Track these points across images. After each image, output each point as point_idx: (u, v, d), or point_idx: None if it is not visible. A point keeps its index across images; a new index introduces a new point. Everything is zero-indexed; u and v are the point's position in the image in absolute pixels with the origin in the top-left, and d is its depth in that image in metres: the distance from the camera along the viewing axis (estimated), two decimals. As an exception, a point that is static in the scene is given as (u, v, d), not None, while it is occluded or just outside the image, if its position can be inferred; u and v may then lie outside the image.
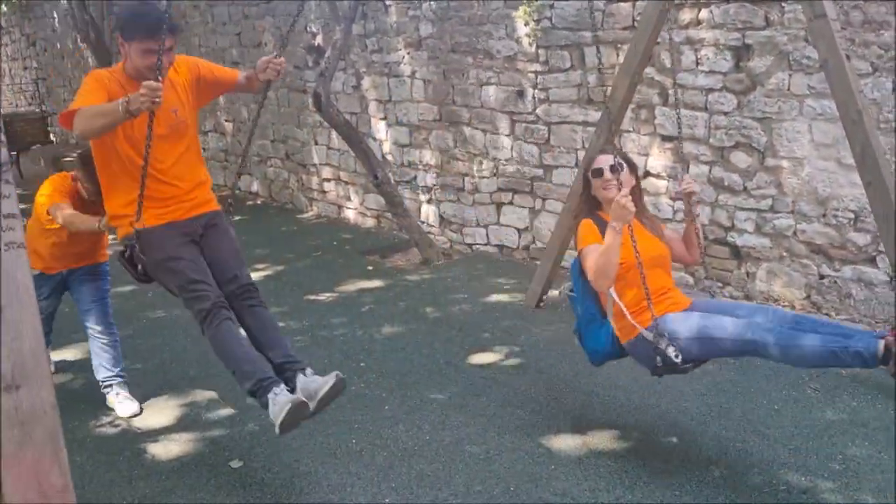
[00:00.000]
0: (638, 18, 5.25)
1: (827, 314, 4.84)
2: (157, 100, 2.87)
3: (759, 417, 3.82)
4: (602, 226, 3.21)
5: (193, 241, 3.36)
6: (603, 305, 3.35)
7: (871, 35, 4.42)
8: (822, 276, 4.87)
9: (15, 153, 12.85)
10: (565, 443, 3.65)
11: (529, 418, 3.89)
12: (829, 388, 4.09)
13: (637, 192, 3.40)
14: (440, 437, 3.73)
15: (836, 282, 4.82)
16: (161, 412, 4.09)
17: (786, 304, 5.02)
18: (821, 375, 4.21)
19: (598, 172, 3.35)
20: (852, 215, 4.68)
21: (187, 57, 3.56)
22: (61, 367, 4.68)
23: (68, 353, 4.91)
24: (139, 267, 3.31)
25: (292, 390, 3.09)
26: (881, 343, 2.76)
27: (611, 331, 3.29)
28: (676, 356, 3.03)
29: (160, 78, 2.98)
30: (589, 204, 3.45)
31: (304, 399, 3.00)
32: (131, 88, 3.08)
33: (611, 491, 3.25)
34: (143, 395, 4.27)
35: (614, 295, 3.21)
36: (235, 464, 3.56)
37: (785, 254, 5.01)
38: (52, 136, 14.65)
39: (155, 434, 3.86)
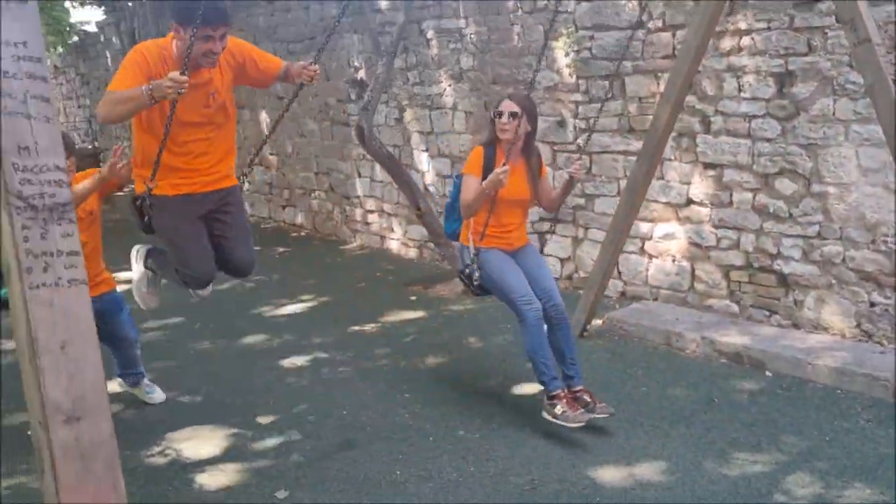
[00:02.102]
0: (678, 47, 5.26)
1: (879, 342, 4.73)
2: (182, 91, 3.02)
3: (809, 447, 3.74)
4: (488, 158, 3.97)
5: (201, 218, 3.69)
6: None
7: (917, 59, 4.37)
8: (872, 304, 4.77)
9: (69, 189, 13.25)
10: (611, 475, 3.61)
11: (575, 449, 3.85)
12: (883, 419, 3.99)
13: (530, 134, 4.07)
14: (485, 468, 3.72)
15: (887, 310, 4.71)
16: (208, 442, 4.15)
17: (836, 332, 4.92)
18: (874, 406, 4.11)
19: (499, 115, 3.96)
20: (903, 241, 4.59)
21: (239, 42, 3.65)
22: (111, 398, 4.76)
23: (111, 386, 4.98)
24: (146, 218, 3.56)
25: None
26: (557, 391, 3.90)
27: (459, 227, 4.26)
28: (475, 282, 4.03)
29: (204, 67, 3.32)
30: (492, 135, 4.06)
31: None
32: (175, 69, 3.22)
33: (658, 524, 3.21)
34: (192, 424, 4.34)
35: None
36: (281, 494, 3.58)
37: (834, 281, 4.92)
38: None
39: (203, 464, 3.91)
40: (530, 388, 4.64)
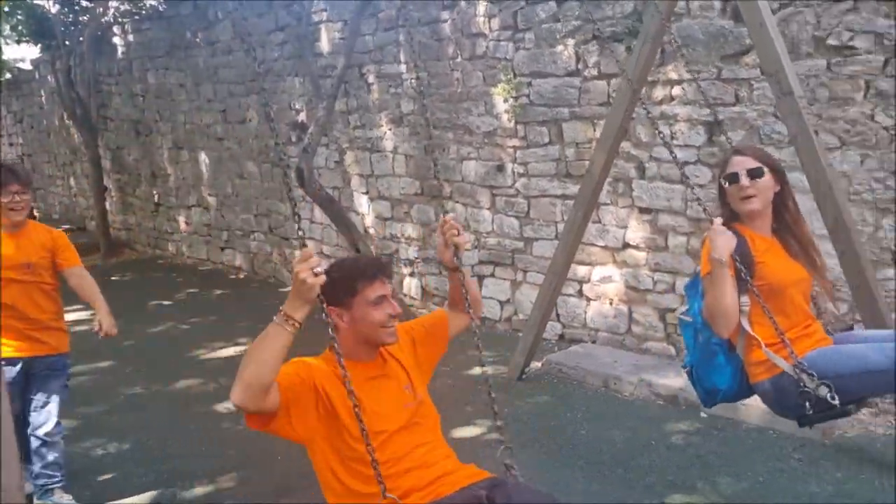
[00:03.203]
0: (613, 95, 5.40)
1: (808, 384, 4.84)
2: (319, 270, 2.08)
3: (745, 490, 3.78)
4: (740, 245, 2.66)
5: None
6: (731, 336, 2.75)
7: (837, 111, 4.57)
8: (801, 346, 4.90)
9: (-3, 229, 12.83)
10: (549, 518, 3.59)
11: (512, 493, 3.82)
12: (814, 458, 4.06)
13: (786, 202, 2.83)
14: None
15: (815, 351, 4.84)
16: (137, 490, 3.99)
17: (767, 374, 5.03)
18: (805, 446, 4.19)
19: (734, 178, 2.74)
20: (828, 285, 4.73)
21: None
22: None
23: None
24: None
25: None
26: None
27: (739, 366, 2.77)
28: (832, 397, 2.52)
29: (388, 342, 2.42)
30: (728, 214, 2.81)
31: None
32: (354, 372, 2.24)
33: (595, 568, 3.19)
34: (119, 472, 4.19)
35: (747, 326, 2.69)
36: (212, 545, 3.47)
37: (764, 324, 5.04)
38: (34, 212, 14.67)
39: (130, 515, 3.77)
40: (469, 430, 4.62)
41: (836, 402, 2.51)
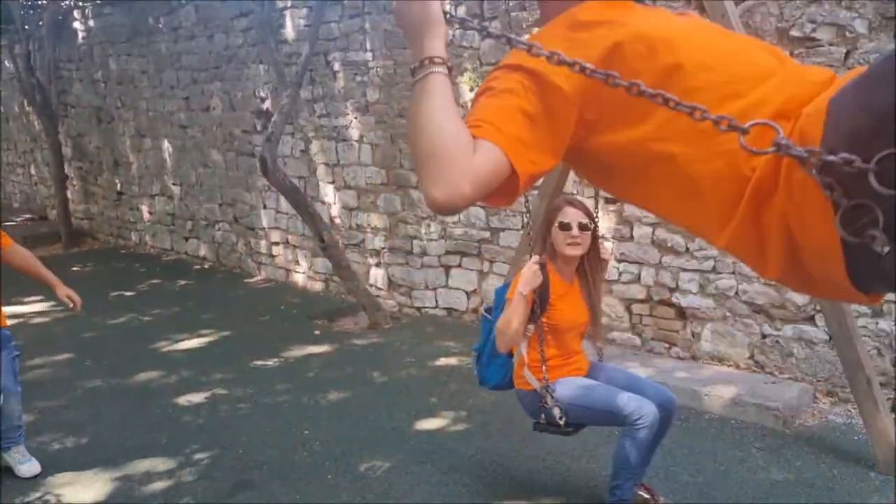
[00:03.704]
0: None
1: (770, 373, 4.88)
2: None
3: (706, 480, 3.80)
4: (544, 279, 3.23)
5: None
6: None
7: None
8: (764, 336, 4.94)
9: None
10: (511, 510, 3.58)
11: (474, 485, 3.81)
12: (774, 447, 4.10)
13: (594, 252, 3.42)
14: (384, 506, 3.64)
15: (777, 341, 4.88)
16: (93, 486, 3.91)
17: (731, 363, 5.06)
18: (766, 435, 4.22)
19: (567, 227, 3.27)
20: (790, 275, 4.77)
21: None
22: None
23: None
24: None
25: None
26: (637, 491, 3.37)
27: (510, 371, 3.46)
28: (561, 418, 3.22)
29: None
30: (544, 250, 3.38)
31: None
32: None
33: (557, 560, 3.18)
34: (75, 468, 4.09)
35: (523, 348, 3.34)
36: (169, 541, 3.40)
37: (728, 314, 5.07)
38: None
39: (85, 510, 3.69)
40: (434, 422, 4.59)
41: (563, 422, 3.23)
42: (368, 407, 4.86)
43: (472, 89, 6.18)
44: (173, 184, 9.98)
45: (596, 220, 3.40)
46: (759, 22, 4.67)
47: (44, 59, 11.39)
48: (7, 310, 5.31)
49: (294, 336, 6.40)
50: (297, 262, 8.26)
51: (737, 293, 5.01)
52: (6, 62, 12.70)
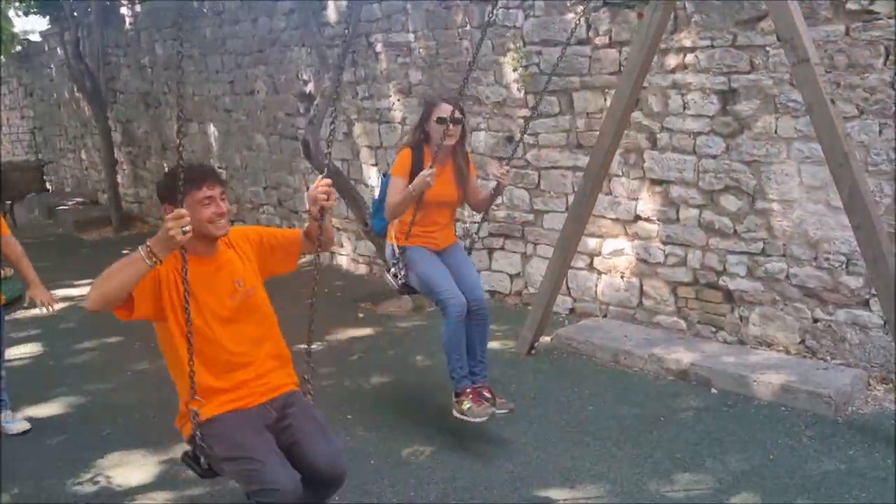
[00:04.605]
0: (624, 64, 5.26)
1: (822, 359, 4.75)
2: (188, 229, 2.45)
3: (754, 467, 3.71)
4: (417, 160, 3.96)
5: (266, 427, 2.86)
6: None
7: (856, 78, 4.41)
8: (815, 320, 4.80)
9: (10, 202, 12.89)
10: (554, 495, 3.54)
11: (518, 470, 3.78)
12: (826, 436, 3.99)
13: (462, 136, 4.07)
14: (425, 492, 3.63)
15: (830, 326, 4.74)
16: (140, 469, 3.98)
17: (780, 348, 4.94)
18: (817, 423, 4.11)
19: (443, 121, 3.89)
20: (844, 258, 4.62)
21: (241, 227, 3.16)
22: (36, 425, 4.54)
23: (44, 410, 4.80)
24: (201, 460, 2.83)
25: None
26: (465, 389, 3.97)
27: (385, 225, 4.19)
28: (400, 280, 4.07)
29: (219, 235, 2.85)
30: (419, 136, 4.06)
31: None
32: (192, 265, 2.71)
33: (600, 548, 3.14)
34: (123, 449, 4.17)
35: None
36: (212, 524, 3.45)
37: (778, 298, 4.94)
38: (47, 185, 14.71)
39: (132, 492, 3.74)
40: (476, 407, 4.56)
41: (401, 283, 4.09)
42: (411, 391, 4.86)
43: (514, 69, 6.10)
44: (219, 167, 10.06)
45: (466, 114, 4.13)
46: (814, -4, 4.51)
47: (92, 45, 11.56)
48: (59, 293, 5.44)
49: (338, 319, 6.42)
50: (341, 245, 8.28)
51: (787, 276, 4.87)
52: (57, 49, 12.94)
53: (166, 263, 2.64)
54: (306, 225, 3.18)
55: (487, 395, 4.03)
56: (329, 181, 2.99)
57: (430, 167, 3.83)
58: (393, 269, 4.09)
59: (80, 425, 4.58)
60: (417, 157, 4.01)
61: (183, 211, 2.49)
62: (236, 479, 2.85)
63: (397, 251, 4.08)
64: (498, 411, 4.00)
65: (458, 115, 3.93)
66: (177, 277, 2.74)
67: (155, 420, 4.58)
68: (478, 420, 3.92)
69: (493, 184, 4.26)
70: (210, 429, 2.78)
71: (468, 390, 3.98)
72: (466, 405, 3.93)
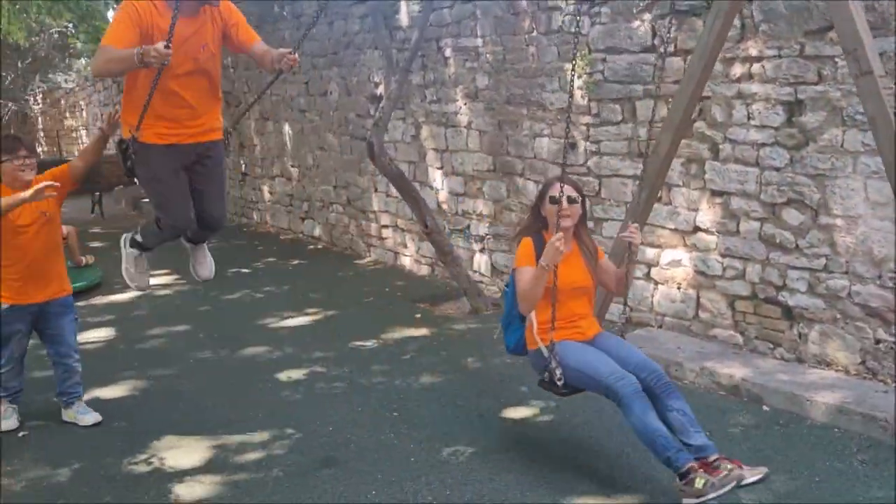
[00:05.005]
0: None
1: (883, 381, 4.59)
2: (166, 62, 3.21)
3: (799, 488, 3.62)
4: (539, 247, 3.62)
5: (184, 167, 3.76)
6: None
7: (927, 91, 4.25)
8: (877, 341, 4.63)
9: (98, 193, 13.52)
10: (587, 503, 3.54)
11: (555, 477, 3.79)
12: (879, 461, 3.85)
13: (582, 219, 3.84)
14: (461, 492, 3.68)
15: (892, 347, 4.57)
16: (192, 452, 4.16)
17: (840, 368, 4.79)
18: (872, 447, 3.98)
19: (555, 201, 3.65)
20: (910, 278, 4.46)
21: (231, 6, 3.79)
22: (102, 406, 4.77)
23: (111, 392, 5.06)
24: (128, 163, 3.68)
25: None
26: (689, 465, 3.36)
27: (522, 335, 3.80)
28: (559, 380, 3.58)
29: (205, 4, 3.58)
30: (536, 223, 3.83)
31: None
32: (164, 21, 3.36)
33: (628, 559, 3.13)
34: (178, 433, 4.36)
35: (532, 313, 3.70)
36: (254, 507, 3.58)
37: (839, 316, 4.79)
38: (135, 179, 15.35)
39: (182, 474, 3.91)
40: (522, 411, 4.61)
41: (561, 384, 3.59)
42: (459, 392, 4.92)
43: (579, 76, 6.08)
44: (292, 166, 10.35)
45: (583, 194, 3.84)
46: (886, 5, 4.36)
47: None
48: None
49: (395, 318, 6.54)
50: (404, 246, 8.41)
51: (849, 294, 4.72)
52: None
53: (150, 20, 3.43)
54: (264, 50, 3.74)
55: (729, 465, 3.45)
56: (297, 57, 3.65)
57: (557, 236, 3.46)
58: (546, 373, 3.62)
59: (141, 408, 4.80)
60: (539, 243, 3.66)
61: (168, 52, 3.20)
62: (147, 195, 3.93)
63: (545, 350, 3.63)
64: (749, 478, 3.48)
65: (573, 194, 3.70)
66: (158, 30, 3.41)
67: (210, 407, 4.76)
68: (723, 491, 3.34)
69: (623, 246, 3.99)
70: (144, 149, 3.61)
71: (695, 465, 3.37)
72: (700, 481, 3.30)
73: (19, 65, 19.59)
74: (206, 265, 4.36)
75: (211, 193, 3.93)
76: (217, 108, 3.89)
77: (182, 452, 4.17)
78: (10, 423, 4.46)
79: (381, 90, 8.23)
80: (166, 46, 3.22)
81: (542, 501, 3.57)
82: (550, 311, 3.58)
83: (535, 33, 6.47)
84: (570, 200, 3.68)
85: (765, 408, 4.50)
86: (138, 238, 4.11)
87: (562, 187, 3.64)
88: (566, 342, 3.65)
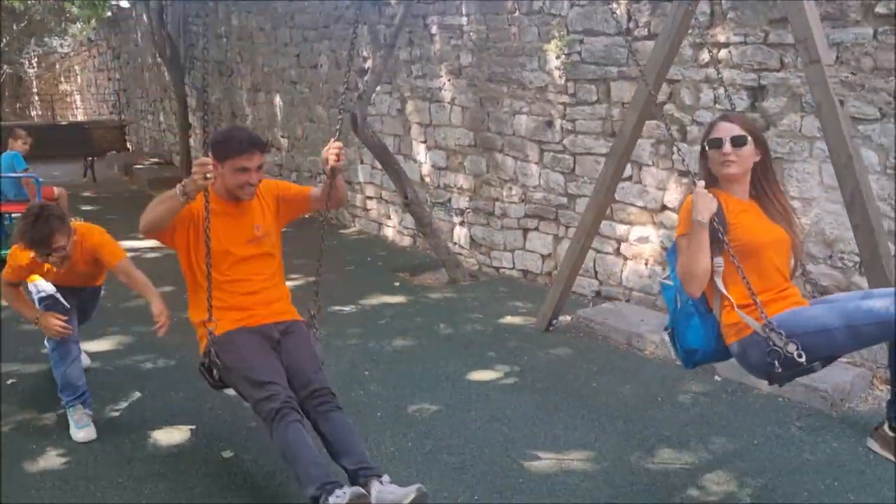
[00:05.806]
0: (659, 56, 5.38)
1: (830, 356, 4.83)
2: (209, 175, 2.99)
3: (736, 451, 3.87)
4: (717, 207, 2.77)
5: (270, 346, 3.37)
6: (708, 297, 2.89)
7: (880, 81, 4.46)
8: (826, 318, 4.88)
9: (91, 158, 13.67)
10: (540, 460, 3.78)
11: (512, 434, 4.03)
12: (815, 428, 4.10)
13: (765, 171, 2.96)
14: (422, 445, 3.92)
15: (839, 324, 4.81)
16: (170, 403, 4.41)
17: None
18: (811, 415, 4.23)
19: (717, 143, 2.86)
20: (857, 259, 4.69)
21: (268, 180, 3.70)
22: (93, 356, 5.01)
23: (97, 346, 5.30)
24: (214, 372, 3.31)
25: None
26: None
27: (717, 327, 2.87)
28: (800, 355, 2.63)
29: (244, 199, 3.45)
30: (707, 178, 2.94)
31: (363, 492, 2.89)
32: (215, 204, 3.26)
33: (569, 507, 3.38)
34: (161, 387, 4.60)
35: (721, 286, 2.80)
36: (227, 454, 3.82)
37: (792, 293, 5.03)
38: (128, 144, 15.49)
39: (162, 423, 4.16)
40: (486, 374, 4.84)
41: (803, 359, 2.64)
42: (428, 355, 5.15)
43: (557, 56, 6.27)
44: (282, 136, 10.53)
45: (758, 134, 2.92)
46: (845, -2, 4.56)
47: (175, 14, 12.14)
48: (126, 244, 5.89)
49: (374, 286, 6.76)
50: (388, 217, 8.62)
51: (802, 273, 4.95)
52: (143, 15, 13.60)
53: (199, 203, 3.23)
54: (318, 188, 3.71)
55: None
56: (340, 144, 3.39)
57: (700, 184, 2.80)
58: (790, 349, 2.64)
59: (123, 360, 5.03)
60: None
61: (207, 160, 3.06)
62: (239, 386, 3.26)
63: (762, 328, 2.71)
64: None
65: (738, 132, 2.85)
66: (203, 214, 3.24)
67: (191, 362, 4.99)
68: None
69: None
70: (223, 341, 3.30)
71: None
72: None
73: (14, 27, 19.62)
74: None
75: (302, 360, 3.37)
76: (288, 295, 3.68)
77: (160, 401, 4.42)
78: (89, 431, 3.99)
79: (368, 64, 8.40)
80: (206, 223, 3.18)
81: (497, 454, 3.81)
82: (745, 286, 2.73)
83: (517, 13, 6.65)
84: (736, 143, 2.85)
85: (716, 378, 4.75)
86: (310, 492, 2.92)
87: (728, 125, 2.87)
88: (788, 311, 2.80)
